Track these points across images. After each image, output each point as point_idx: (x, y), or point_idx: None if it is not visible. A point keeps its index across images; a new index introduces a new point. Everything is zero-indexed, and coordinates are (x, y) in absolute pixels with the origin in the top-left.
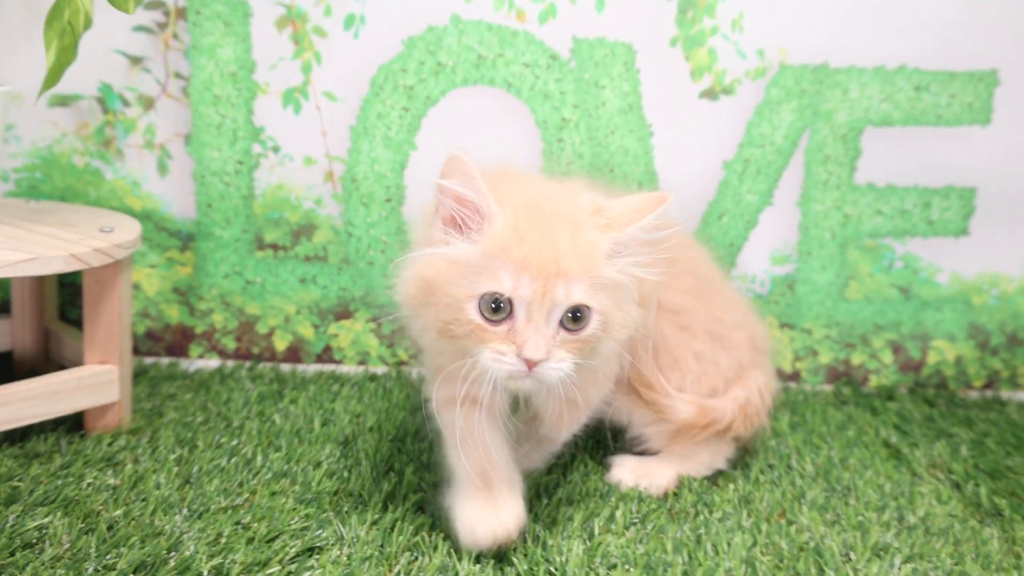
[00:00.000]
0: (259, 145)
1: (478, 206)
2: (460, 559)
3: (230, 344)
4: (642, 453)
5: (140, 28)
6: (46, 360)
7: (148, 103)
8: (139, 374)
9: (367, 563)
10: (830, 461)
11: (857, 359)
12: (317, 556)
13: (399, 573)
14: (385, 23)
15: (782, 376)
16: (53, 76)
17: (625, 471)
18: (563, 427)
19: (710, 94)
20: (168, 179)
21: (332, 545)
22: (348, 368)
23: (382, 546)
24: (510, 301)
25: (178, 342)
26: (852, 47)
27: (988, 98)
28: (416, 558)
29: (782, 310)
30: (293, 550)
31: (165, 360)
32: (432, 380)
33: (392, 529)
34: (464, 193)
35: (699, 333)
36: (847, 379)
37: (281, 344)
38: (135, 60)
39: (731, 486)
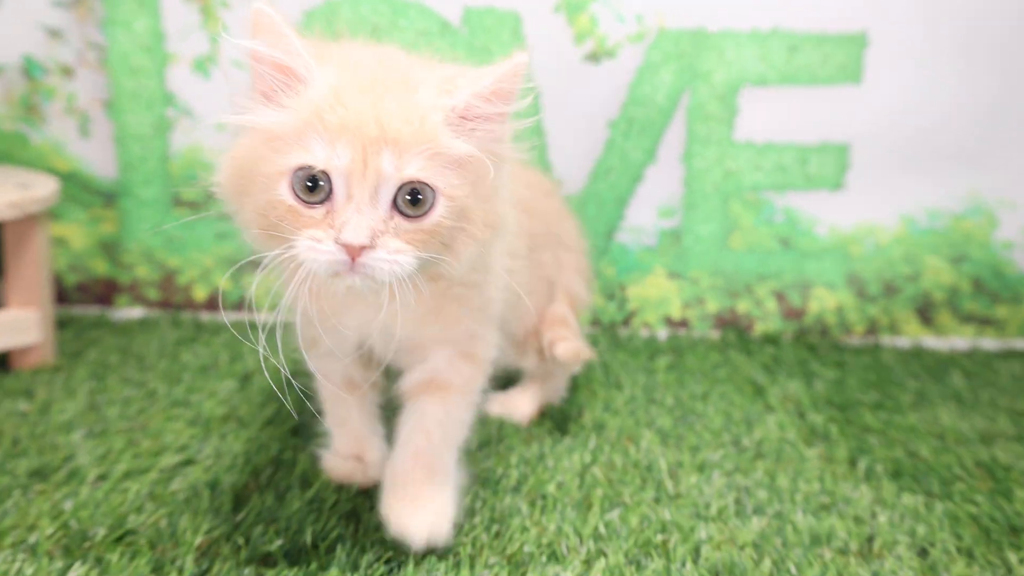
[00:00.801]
0: (173, 110)
1: (292, 68)
2: (318, 476)
3: (153, 294)
4: (504, 388)
5: (58, 3)
6: None
7: (68, 72)
8: (67, 322)
9: (232, 471)
10: (692, 395)
11: (742, 307)
12: (191, 467)
13: (262, 481)
14: None
15: (672, 323)
16: None
17: (494, 404)
18: (462, 386)
19: (593, 58)
20: (90, 142)
21: (207, 457)
22: (264, 316)
23: (249, 459)
24: (327, 175)
25: (105, 293)
26: (727, 11)
27: (859, 58)
28: (278, 470)
29: (670, 260)
30: (173, 462)
31: (93, 310)
32: (304, 350)
33: (263, 447)
34: (275, 55)
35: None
36: (733, 326)
37: (200, 294)
38: (54, 33)
39: (588, 415)
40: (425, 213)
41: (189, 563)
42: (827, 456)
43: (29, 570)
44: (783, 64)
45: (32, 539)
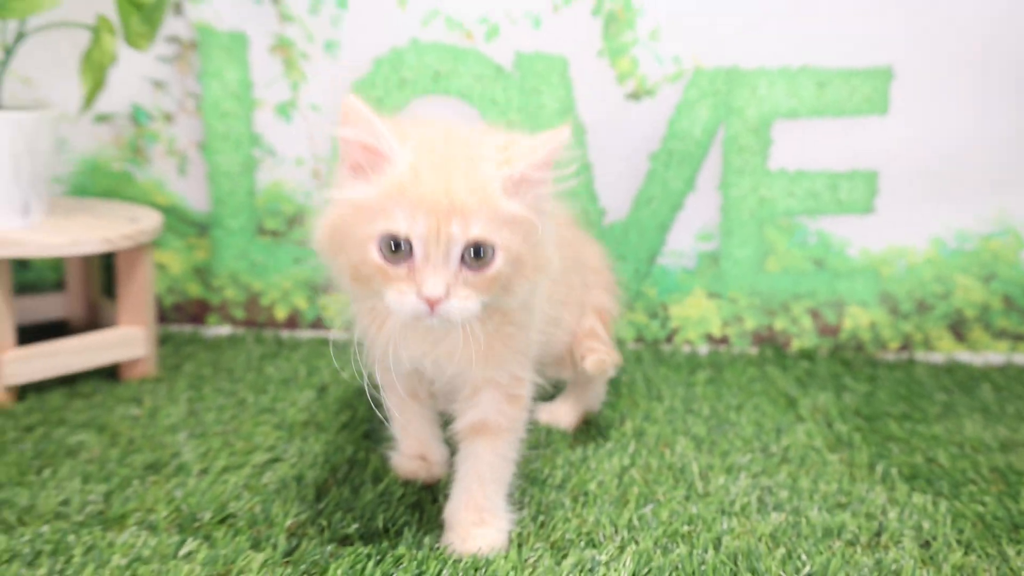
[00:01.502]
0: (258, 150)
1: (378, 148)
2: (388, 473)
3: (239, 314)
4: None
5: (162, 59)
6: (93, 327)
7: (169, 118)
8: (166, 339)
9: (314, 468)
10: (727, 406)
11: (779, 324)
12: (279, 464)
13: (340, 477)
14: (357, 46)
15: (712, 340)
16: (88, 101)
17: (542, 413)
18: (509, 425)
19: (634, 96)
20: (187, 180)
21: (292, 456)
22: (336, 334)
23: (328, 458)
24: (408, 240)
25: (198, 313)
26: (759, 51)
27: (885, 91)
28: (353, 468)
29: (708, 281)
30: (263, 459)
31: (188, 328)
32: (375, 363)
33: (340, 448)
34: (363, 138)
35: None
36: (771, 342)
37: (281, 313)
38: (158, 84)
39: (629, 423)
40: (487, 264)
41: (281, 541)
42: (848, 461)
43: (152, 542)
44: (812, 98)
45: (151, 519)
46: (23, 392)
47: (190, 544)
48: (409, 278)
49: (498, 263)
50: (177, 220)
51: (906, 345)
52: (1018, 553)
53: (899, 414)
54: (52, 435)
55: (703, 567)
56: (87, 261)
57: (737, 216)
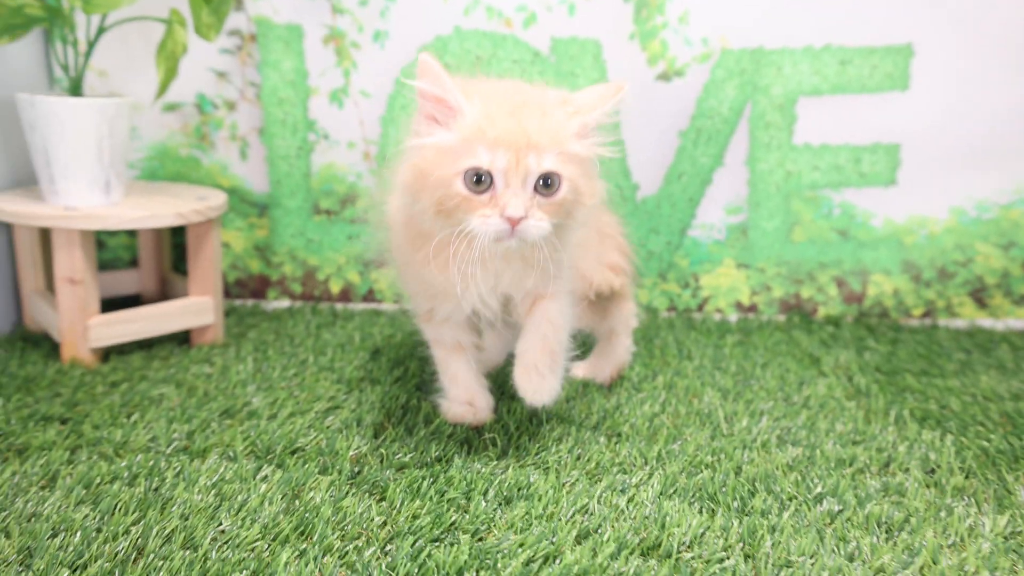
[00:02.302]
0: (313, 134)
1: (448, 101)
2: (438, 417)
3: (297, 288)
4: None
5: (224, 51)
6: (164, 300)
7: (231, 106)
8: (230, 311)
9: (371, 412)
10: (754, 364)
11: (806, 292)
12: (340, 410)
13: (395, 419)
14: (404, 36)
15: (741, 308)
16: (162, 89)
17: (579, 370)
18: (560, 296)
19: (664, 77)
20: (248, 163)
21: (351, 404)
22: (387, 305)
23: (384, 405)
24: (489, 173)
25: (259, 287)
26: (783, 31)
27: (906, 67)
28: (406, 414)
29: (738, 252)
30: (325, 407)
31: (250, 302)
32: (422, 321)
33: (395, 397)
34: (435, 91)
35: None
36: (798, 310)
37: (336, 287)
38: (221, 74)
39: (661, 378)
40: (555, 192)
41: (346, 467)
42: (865, 407)
43: (233, 467)
44: (835, 76)
45: (230, 451)
46: (107, 355)
47: (266, 470)
48: (492, 204)
49: (564, 191)
50: (239, 201)
51: (929, 312)
52: (1016, 479)
53: (918, 370)
54: (136, 388)
55: (724, 488)
56: (158, 240)
57: (764, 189)
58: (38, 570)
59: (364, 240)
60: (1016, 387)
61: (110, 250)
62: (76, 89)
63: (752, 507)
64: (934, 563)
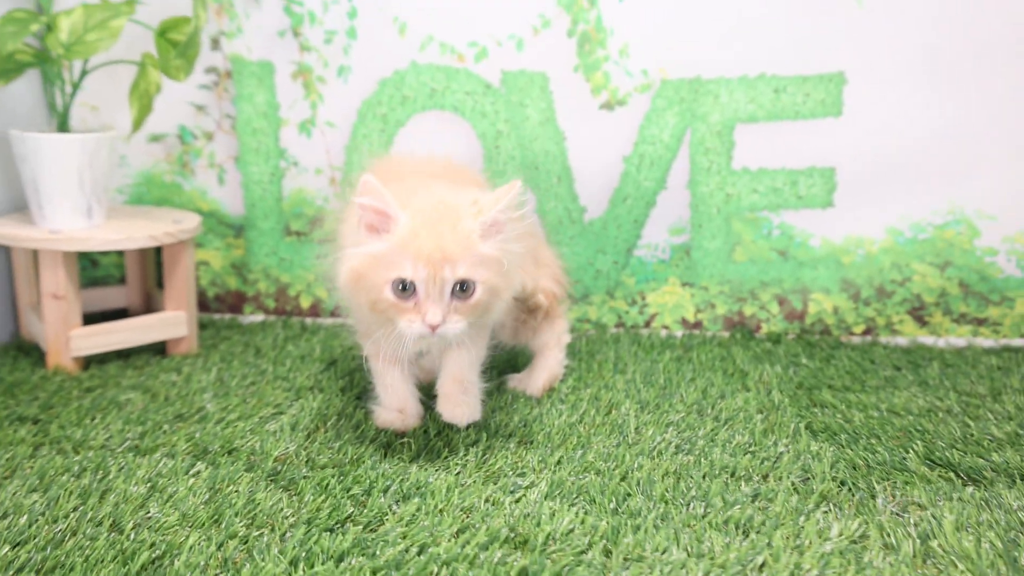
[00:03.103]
0: (284, 162)
1: (387, 213)
2: (368, 422)
3: (271, 304)
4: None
5: (202, 86)
6: (148, 313)
7: (209, 136)
8: (208, 325)
9: (309, 418)
10: (683, 379)
11: (749, 310)
12: (282, 416)
13: (328, 425)
14: (365, 70)
15: (687, 325)
16: (136, 125)
17: (514, 382)
18: (474, 344)
19: (608, 106)
20: (225, 188)
21: (294, 410)
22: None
23: (322, 411)
24: (413, 283)
25: (236, 303)
26: (719, 62)
27: (838, 95)
28: (341, 419)
29: (682, 272)
30: (270, 412)
31: (227, 316)
32: (362, 338)
33: (333, 405)
34: (376, 205)
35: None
36: (742, 327)
37: (305, 303)
38: (200, 108)
39: (588, 391)
40: (470, 295)
41: (269, 465)
42: (771, 420)
43: (170, 464)
44: (770, 104)
45: (173, 451)
46: (88, 363)
47: (199, 467)
48: (415, 310)
49: (479, 293)
50: (217, 223)
51: (870, 329)
52: (884, 489)
53: (840, 386)
54: (106, 394)
55: (604, 490)
56: (143, 259)
57: (706, 211)
58: None
59: (317, 267)
60: (929, 403)
61: (103, 268)
62: (63, 125)
63: (624, 508)
64: (775, 561)
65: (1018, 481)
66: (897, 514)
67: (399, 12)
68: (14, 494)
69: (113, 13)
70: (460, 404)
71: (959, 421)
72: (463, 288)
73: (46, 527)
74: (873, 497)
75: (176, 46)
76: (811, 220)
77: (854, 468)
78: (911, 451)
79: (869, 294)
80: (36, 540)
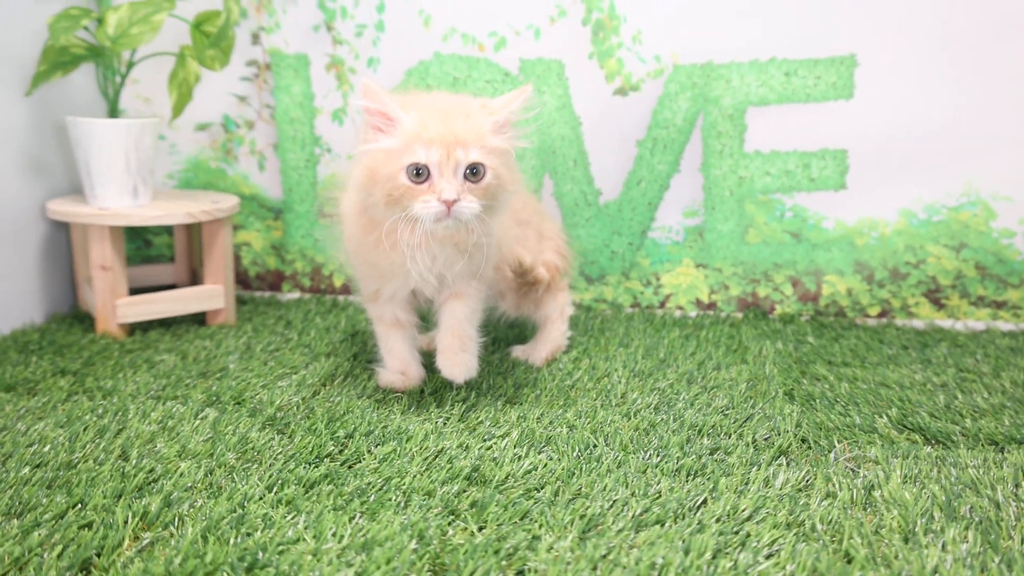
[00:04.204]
0: (319, 148)
1: (388, 114)
2: (371, 381)
3: (307, 282)
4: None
5: (244, 78)
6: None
7: (251, 125)
8: (248, 301)
9: (317, 377)
10: (685, 353)
11: (763, 291)
12: (295, 375)
13: (334, 383)
14: (392, 61)
15: (701, 306)
16: (176, 112)
17: (518, 352)
18: (472, 295)
19: (622, 92)
20: (265, 174)
21: (307, 371)
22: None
23: (332, 372)
24: (427, 166)
25: (275, 281)
26: (731, 47)
27: (850, 77)
28: (347, 379)
29: (696, 253)
30: (285, 371)
31: (267, 293)
32: (366, 302)
33: (341, 366)
34: (377, 107)
35: (531, 230)
36: (756, 308)
37: (338, 281)
38: (242, 98)
39: (588, 361)
40: (481, 178)
41: (269, 412)
42: (755, 388)
43: (182, 409)
44: (781, 87)
45: (188, 399)
46: (133, 330)
47: (207, 412)
48: (430, 191)
49: (488, 177)
50: (258, 206)
51: (885, 312)
52: (842, 449)
53: (839, 361)
54: (143, 355)
55: (571, 440)
56: (190, 239)
57: (719, 194)
58: (9, 466)
59: (319, 232)
60: (926, 378)
61: (155, 247)
62: (113, 112)
63: (585, 455)
64: (713, 502)
65: (983, 444)
66: (850, 468)
67: (424, 5)
68: (43, 429)
69: (155, 8)
70: (457, 363)
71: (948, 394)
72: (474, 172)
73: (63, 454)
74: (829, 453)
75: (208, 36)
76: (824, 202)
77: (818, 428)
78: (885, 416)
79: (883, 276)
80: (52, 463)
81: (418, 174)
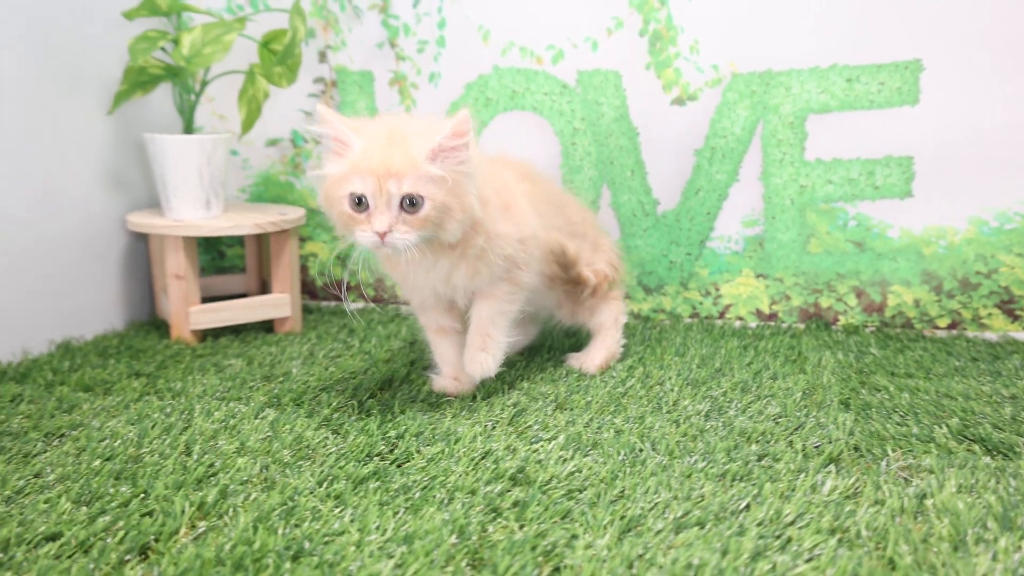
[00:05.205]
0: None
1: (343, 139)
2: (425, 386)
3: (371, 292)
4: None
5: (312, 95)
6: None
7: (317, 140)
8: (314, 310)
9: (374, 381)
10: (741, 363)
11: (826, 302)
12: (353, 379)
13: (391, 386)
14: (452, 76)
15: (762, 316)
16: (245, 127)
17: (572, 360)
18: (500, 297)
19: (679, 101)
20: (314, 178)
21: (365, 376)
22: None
23: (388, 377)
24: (363, 196)
25: (338, 291)
26: (790, 54)
27: (915, 82)
28: (402, 384)
29: (756, 263)
30: (344, 376)
31: (333, 303)
32: (416, 312)
33: (397, 371)
34: (332, 132)
35: (587, 242)
36: (818, 319)
37: (401, 292)
38: (309, 114)
39: (642, 369)
40: (418, 209)
41: (326, 411)
42: (811, 397)
43: (244, 409)
44: (843, 93)
45: (250, 400)
46: (204, 336)
47: (267, 412)
48: (367, 221)
49: (425, 208)
50: (325, 219)
51: (955, 323)
52: (895, 457)
53: (902, 373)
54: (212, 359)
55: (617, 443)
56: (260, 251)
57: (779, 203)
58: (82, 459)
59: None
60: (987, 391)
61: (229, 259)
62: (189, 128)
63: (630, 459)
64: (757, 507)
65: None
66: (902, 477)
67: (483, 21)
68: (115, 426)
69: (226, 29)
70: (474, 360)
71: (1017, 406)
72: (412, 203)
73: (131, 448)
74: (881, 461)
75: (274, 54)
76: (889, 210)
77: (872, 437)
78: (944, 426)
79: (952, 286)
80: (120, 456)
81: (359, 203)
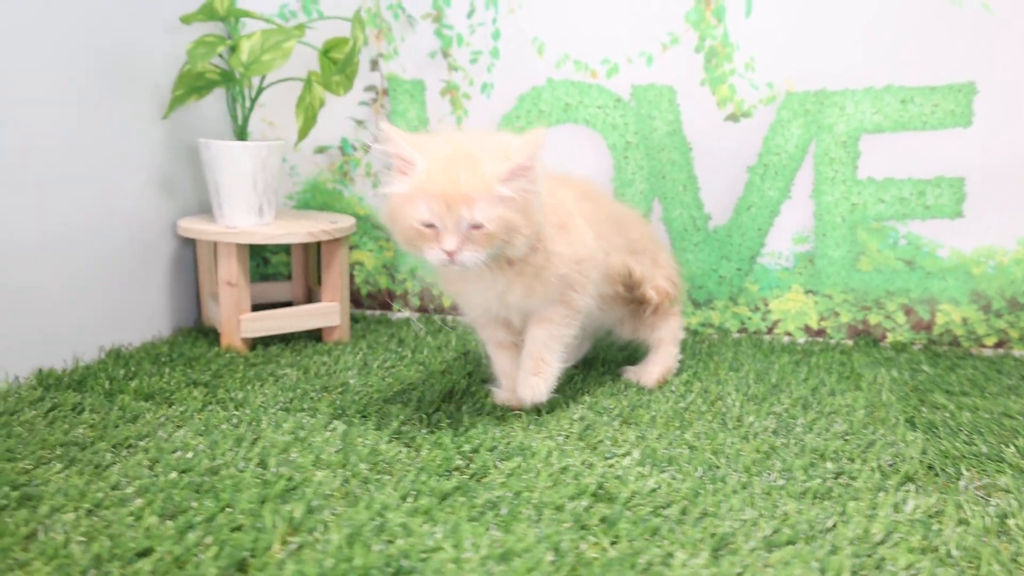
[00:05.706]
0: None
1: (405, 157)
2: (486, 399)
3: (416, 302)
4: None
5: (362, 103)
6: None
7: (366, 148)
8: (361, 319)
9: (434, 392)
10: (797, 379)
11: (874, 319)
12: (414, 391)
13: (454, 399)
14: (505, 87)
15: (810, 332)
16: (302, 135)
17: (629, 373)
18: (555, 321)
19: (733, 118)
20: (379, 195)
21: (425, 388)
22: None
23: (451, 390)
24: (432, 220)
25: (386, 300)
26: (845, 74)
27: (968, 104)
28: (464, 396)
29: (806, 279)
30: (403, 387)
31: (378, 312)
32: (476, 328)
33: (457, 384)
34: (395, 151)
35: (647, 257)
36: (866, 335)
37: (447, 302)
38: (359, 122)
39: (700, 384)
40: (486, 228)
41: (395, 425)
42: (873, 414)
43: (311, 421)
44: (896, 114)
45: (316, 411)
46: (254, 344)
47: (335, 424)
48: (436, 239)
49: (494, 227)
50: (371, 227)
51: (1003, 342)
52: (971, 476)
53: (957, 391)
54: (267, 368)
55: (692, 461)
56: (306, 258)
57: (830, 220)
58: (157, 471)
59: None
60: None
61: (273, 266)
62: (242, 135)
63: (709, 476)
64: (844, 526)
65: None
66: (981, 496)
67: (538, 33)
68: (184, 436)
69: (285, 36)
70: (525, 385)
71: None
72: (478, 225)
73: (206, 460)
74: (958, 480)
75: (335, 63)
76: (939, 230)
77: (944, 456)
78: (1012, 446)
79: (1000, 306)
80: (197, 468)
81: (428, 224)
